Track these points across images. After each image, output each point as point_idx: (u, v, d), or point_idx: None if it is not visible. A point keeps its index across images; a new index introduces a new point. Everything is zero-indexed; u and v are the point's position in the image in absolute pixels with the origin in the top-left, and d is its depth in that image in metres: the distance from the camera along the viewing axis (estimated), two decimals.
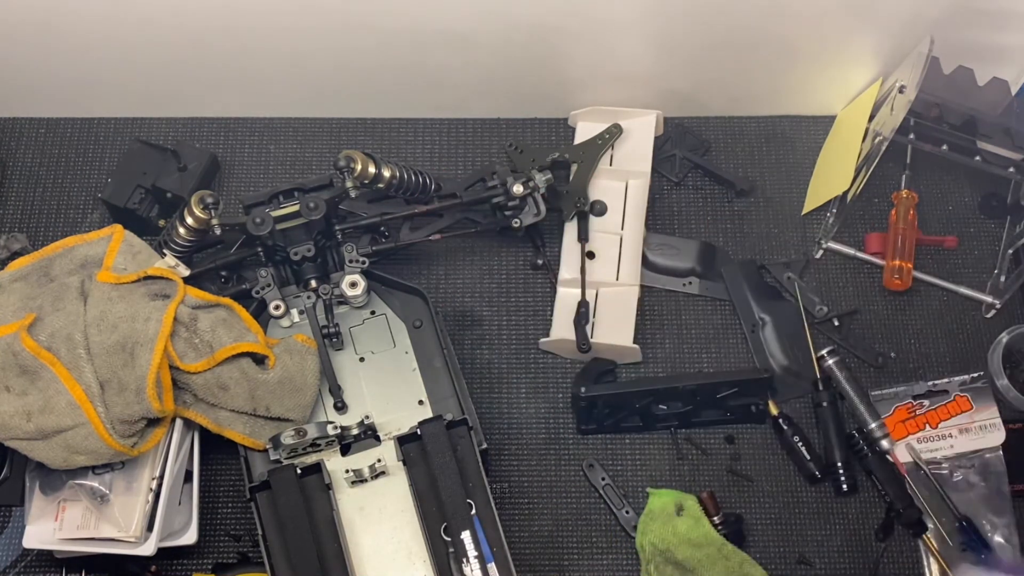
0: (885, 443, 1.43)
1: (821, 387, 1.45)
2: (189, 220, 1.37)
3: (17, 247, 1.51)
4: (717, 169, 1.60)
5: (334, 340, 1.36)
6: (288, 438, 1.27)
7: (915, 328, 1.53)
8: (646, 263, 1.53)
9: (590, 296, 1.48)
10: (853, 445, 1.43)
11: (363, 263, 1.37)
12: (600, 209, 1.53)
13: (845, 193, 1.52)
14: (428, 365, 1.37)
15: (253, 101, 1.61)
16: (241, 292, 1.38)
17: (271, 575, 1.23)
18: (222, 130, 1.64)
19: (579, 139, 1.59)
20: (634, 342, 1.46)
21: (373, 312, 1.41)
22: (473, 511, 1.23)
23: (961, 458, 1.44)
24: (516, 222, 1.46)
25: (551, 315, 1.50)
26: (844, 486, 1.41)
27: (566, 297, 1.49)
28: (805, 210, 1.59)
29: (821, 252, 1.56)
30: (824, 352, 1.47)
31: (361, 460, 1.31)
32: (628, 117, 1.58)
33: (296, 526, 1.23)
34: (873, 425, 1.44)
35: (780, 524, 1.42)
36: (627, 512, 1.40)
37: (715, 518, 1.36)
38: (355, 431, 1.31)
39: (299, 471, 1.26)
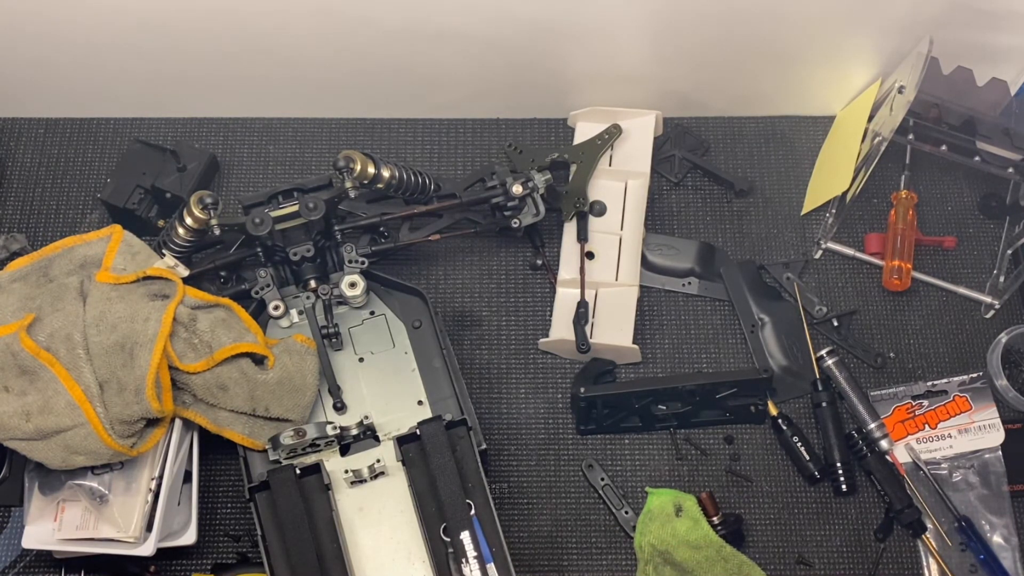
0: (884, 443, 1.43)
1: (820, 387, 1.45)
2: (188, 220, 1.37)
3: (16, 247, 1.51)
4: (716, 169, 1.60)
5: (333, 340, 1.36)
6: (287, 438, 1.27)
7: (914, 328, 1.53)
8: (645, 263, 1.53)
9: (589, 296, 1.48)
10: (852, 445, 1.43)
11: (362, 263, 1.37)
12: (599, 209, 1.53)
13: (844, 193, 1.52)
14: (427, 365, 1.37)
15: (252, 101, 1.61)
16: (240, 292, 1.38)
17: (270, 575, 1.23)
18: (221, 130, 1.64)
19: (578, 139, 1.59)
20: (633, 342, 1.46)
21: (372, 312, 1.41)
22: (472, 511, 1.23)
23: (960, 458, 1.44)
24: (515, 222, 1.46)
25: (550, 315, 1.50)
26: (843, 486, 1.41)
27: (565, 297, 1.49)
28: (804, 210, 1.59)
29: (820, 252, 1.56)
30: (823, 352, 1.47)
31: (360, 460, 1.31)
32: (627, 117, 1.58)
33: (295, 526, 1.22)
34: (872, 425, 1.44)
35: (779, 524, 1.42)
36: (626, 512, 1.40)
37: (714, 518, 1.36)
38: (354, 431, 1.31)
39: (298, 471, 1.26)
